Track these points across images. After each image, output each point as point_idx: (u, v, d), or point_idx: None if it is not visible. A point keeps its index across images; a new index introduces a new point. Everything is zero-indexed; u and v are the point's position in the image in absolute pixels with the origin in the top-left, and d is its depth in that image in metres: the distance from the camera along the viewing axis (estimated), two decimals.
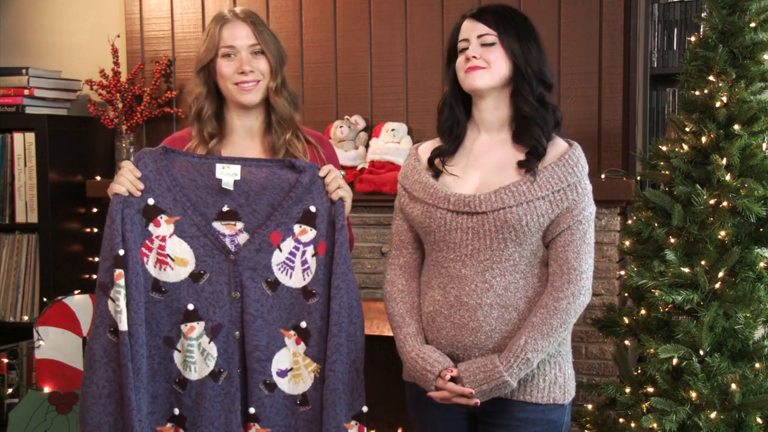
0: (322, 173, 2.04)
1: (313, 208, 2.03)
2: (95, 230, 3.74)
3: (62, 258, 3.63)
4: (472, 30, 1.99)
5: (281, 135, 2.15)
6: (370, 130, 3.40)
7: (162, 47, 3.69)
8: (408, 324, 2.04)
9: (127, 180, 1.99)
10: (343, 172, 2.13)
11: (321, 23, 3.48)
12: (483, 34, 1.97)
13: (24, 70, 3.59)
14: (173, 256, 2.02)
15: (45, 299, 3.48)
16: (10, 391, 3.50)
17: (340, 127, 3.36)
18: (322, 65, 3.48)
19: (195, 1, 3.64)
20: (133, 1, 3.72)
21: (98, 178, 3.67)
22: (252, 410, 2.03)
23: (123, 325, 1.94)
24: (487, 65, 1.97)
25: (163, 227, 2.01)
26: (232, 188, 2.02)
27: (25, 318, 3.62)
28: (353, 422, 2.02)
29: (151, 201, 2.01)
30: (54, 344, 3.24)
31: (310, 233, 2.03)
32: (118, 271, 1.95)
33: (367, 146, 3.36)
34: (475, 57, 1.96)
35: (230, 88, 2.11)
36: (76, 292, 3.38)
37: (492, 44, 1.97)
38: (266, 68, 2.13)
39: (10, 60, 3.93)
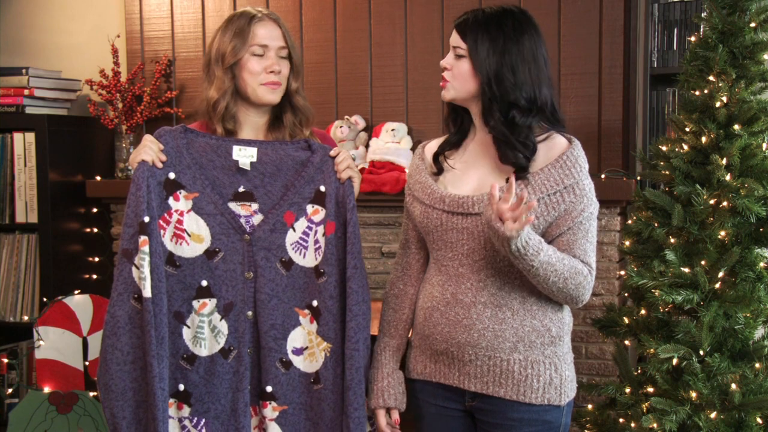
0: (333, 153, 2.08)
1: (323, 188, 2.06)
2: (95, 230, 3.73)
3: (62, 258, 3.63)
4: (452, 39, 2.00)
5: (303, 131, 2.18)
6: (370, 130, 3.40)
7: (162, 47, 3.69)
8: (392, 336, 2.11)
9: (151, 150, 2.01)
10: (354, 154, 2.13)
11: (321, 23, 3.48)
12: (456, 46, 1.98)
13: (24, 70, 3.58)
14: (190, 232, 2.04)
15: (45, 299, 3.48)
16: (10, 391, 3.50)
17: (340, 127, 3.36)
18: (322, 65, 3.48)
19: (195, 1, 3.64)
20: (133, 1, 3.72)
21: (98, 178, 3.67)
22: (269, 388, 2.05)
23: (147, 292, 1.95)
24: (452, 78, 1.97)
25: (182, 202, 2.03)
26: (249, 169, 2.05)
27: (25, 318, 3.62)
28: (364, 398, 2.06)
29: (172, 175, 2.03)
30: (54, 344, 3.24)
31: (321, 213, 2.06)
32: (143, 238, 1.95)
33: (367, 146, 3.36)
34: (446, 68, 1.98)
35: (255, 87, 2.11)
36: (76, 292, 3.38)
37: (462, 56, 1.97)
38: (288, 72, 2.16)
39: (10, 60, 3.92)
